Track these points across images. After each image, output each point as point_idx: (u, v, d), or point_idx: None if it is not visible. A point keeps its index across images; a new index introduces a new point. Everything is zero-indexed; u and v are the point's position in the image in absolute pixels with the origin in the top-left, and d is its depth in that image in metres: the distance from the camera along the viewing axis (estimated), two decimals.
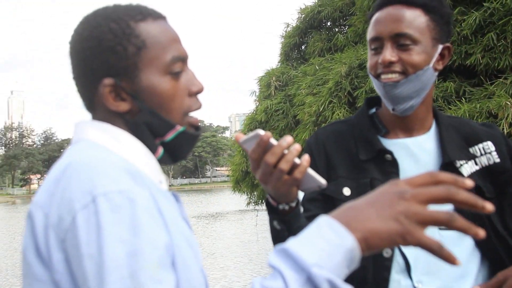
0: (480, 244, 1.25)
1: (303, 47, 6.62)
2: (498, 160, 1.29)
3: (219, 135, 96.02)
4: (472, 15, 3.91)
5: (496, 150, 1.30)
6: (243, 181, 6.69)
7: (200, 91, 0.93)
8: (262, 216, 8.31)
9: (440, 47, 1.24)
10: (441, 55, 1.26)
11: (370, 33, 1.26)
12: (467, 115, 3.62)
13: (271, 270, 0.69)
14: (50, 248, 0.73)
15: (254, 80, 6.75)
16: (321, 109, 4.81)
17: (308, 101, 5.07)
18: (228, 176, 9.29)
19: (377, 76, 1.23)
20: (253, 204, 7.28)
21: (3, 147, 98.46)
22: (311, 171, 0.97)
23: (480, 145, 1.30)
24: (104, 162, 0.77)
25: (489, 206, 0.65)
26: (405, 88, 1.21)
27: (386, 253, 1.21)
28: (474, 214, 1.22)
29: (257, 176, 1.00)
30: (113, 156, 0.81)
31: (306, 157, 0.96)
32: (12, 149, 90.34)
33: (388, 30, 1.21)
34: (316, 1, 6.32)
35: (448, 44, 1.25)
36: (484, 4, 3.87)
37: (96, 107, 0.89)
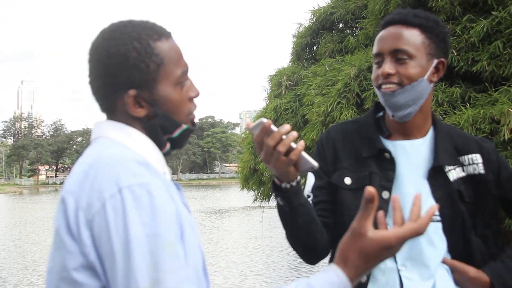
0: (454, 245, 1.42)
1: (314, 47, 6.70)
2: (482, 171, 1.47)
3: (229, 132, 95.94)
4: (480, 23, 3.99)
5: (483, 163, 1.48)
6: (251, 178, 6.79)
7: (197, 96, 1.12)
8: (268, 214, 8.44)
9: (435, 61, 1.43)
10: (436, 69, 1.45)
11: (374, 49, 1.46)
12: (471, 120, 3.71)
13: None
14: (80, 227, 0.90)
15: (266, 78, 6.84)
16: (329, 110, 4.91)
17: (317, 101, 5.17)
18: (236, 172, 9.39)
19: (379, 87, 1.44)
20: (260, 201, 7.39)
21: (12, 137, 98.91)
22: (305, 154, 1.19)
23: (470, 156, 1.49)
24: (124, 157, 0.95)
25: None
26: (401, 97, 1.40)
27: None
28: (452, 217, 1.39)
29: (261, 156, 1.22)
30: (128, 151, 0.99)
31: (301, 143, 1.18)
32: (21, 140, 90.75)
33: (388, 47, 1.41)
34: (329, 2, 6.40)
35: (442, 59, 1.44)
36: (493, 12, 3.95)
37: (116, 111, 1.06)
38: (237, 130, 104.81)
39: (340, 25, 6.34)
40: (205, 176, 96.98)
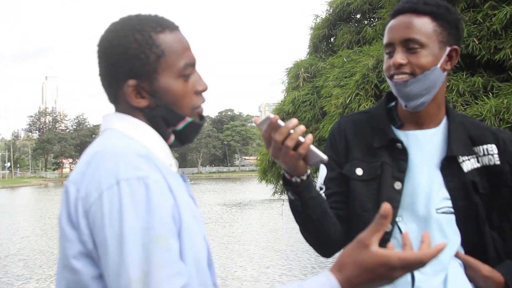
0: (467, 237, 1.37)
1: (332, 39, 6.62)
2: (498, 162, 1.42)
3: (249, 125, 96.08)
4: (502, 9, 3.88)
5: (498, 153, 1.43)
6: (270, 170, 6.77)
7: (204, 90, 1.11)
8: (288, 207, 8.41)
9: (448, 49, 1.39)
10: (449, 56, 1.40)
11: (384, 39, 1.42)
12: (494, 110, 3.62)
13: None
14: (78, 215, 0.93)
15: (284, 71, 6.80)
16: (347, 101, 4.84)
17: (335, 93, 5.10)
18: (255, 165, 9.40)
19: (391, 77, 1.40)
20: (279, 194, 7.37)
21: (37, 132, 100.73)
22: (313, 148, 1.16)
23: (485, 146, 1.44)
24: (126, 150, 0.96)
25: None
26: (414, 87, 1.36)
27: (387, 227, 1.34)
28: (465, 208, 1.34)
29: (270, 152, 1.20)
30: (133, 143, 1.01)
31: (309, 136, 1.16)
32: (45, 134, 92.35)
33: (399, 36, 1.37)
34: None
35: (455, 46, 1.39)
36: None
37: (120, 102, 1.08)
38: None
39: (358, 16, 6.26)
40: (225, 169, 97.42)
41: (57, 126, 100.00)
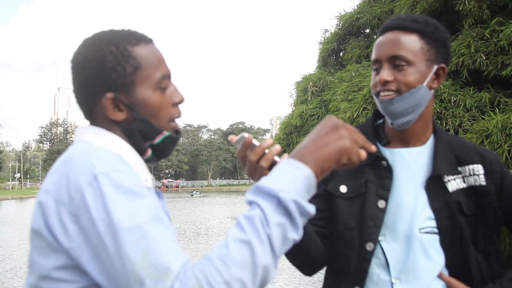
0: (451, 259, 1.34)
1: (341, 53, 6.66)
2: (484, 183, 1.39)
3: (260, 137, 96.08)
4: (510, 26, 3.90)
5: (484, 174, 1.40)
6: None
7: (181, 101, 1.11)
8: None
9: (435, 67, 1.37)
10: (436, 75, 1.38)
11: (372, 56, 1.40)
12: (500, 125, 3.61)
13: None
14: (64, 222, 0.90)
15: (293, 85, 6.84)
16: (355, 116, 4.86)
17: (342, 107, 5.13)
18: None
19: (377, 94, 1.39)
20: None
21: (48, 142, 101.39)
22: None
23: (471, 166, 1.41)
24: (98, 151, 0.95)
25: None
26: (399, 105, 1.34)
27: (369, 246, 1.35)
28: (450, 229, 1.32)
29: (246, 172, 1.17)
30: (107, 151, 0.98)
31: (285, 156, 1.11)
32: (56, 145, 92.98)
33: (386, 53, 1.36)
34: (355, 8, 6.36)
35: (442, 65, 1.37)
36: None
37: (96, 117, 1.07)
38: (267, 136, 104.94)
39: (367, 30, 6.30)
40: (235, 182, 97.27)
41: (68, 137, 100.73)
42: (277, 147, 1.13)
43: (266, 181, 0.87)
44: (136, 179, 0.93)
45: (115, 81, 1.03)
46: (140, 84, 1.04)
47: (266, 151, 1.12)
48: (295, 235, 0.86)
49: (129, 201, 0.88)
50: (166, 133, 1.08)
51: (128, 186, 0.89)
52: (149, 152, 1.09)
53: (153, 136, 1.07)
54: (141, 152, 1.08)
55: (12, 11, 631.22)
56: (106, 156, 0.94)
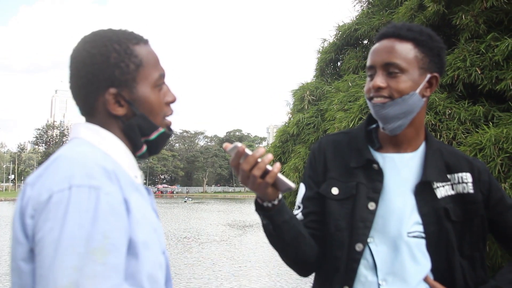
0: (436, 264, 1.37)
1: (338, 63, 6.70)
2: (472, 191, 1.44)
3: (257, 145, 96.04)
4: (505, 41, 3.94)
5: (472, 182, 1.45)
6: None
7: (173, 101, 1.15)
8: None
9: (428, 76, 1.41)
10: (429, 83, 1.43)
11: (367, 62, 1.45)
12: (493, 139, 3.65)
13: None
14: (26, 216, 0.93)
15: (290, 93, 6.86)
16: (350, 125, 4.88)
17: (338, 116, 5.15)
18: None
19: (370, 99, 1.43)
20: None
21: (43, 145, 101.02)
22: (281, 176, 1.19)
23: (460, 174, 1.46)
24: (85, 158, 0.97)
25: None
26: (391, 109, 1.38)
27: (358, 247, 1.38)
28: (436, 235, 1.36)
29: (239, 180, 1.21)
30: (96, 151, 1.01)
31: (277, 165, 1.19)
32: (52, 147, 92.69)
33: (380, 60, 1.40)
34: (354, 18, 6.41)
35: (435, 74, 1.41)
36: None
37: (96, 111, 1.10)
38: (264, 144, 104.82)
39: (365, 41, 6.34)
40: (230, 189, 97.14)
41: (64, 140, 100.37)
42: (269, 157, 1.17)
43: None
44: (113, 197, 0.93)
45: (118, 77, 1.07)
46: (140, 82, 1.09)
47: (259, 160, 1.17)
48: None
49: (88, 224, 0.88)
50: (161, 129, 1.13)
51: (96, 208, 0.90)
52: (144, 147, 1.13)
53: (150, 132, 1.12)
54: (136, 147, 1.12)
55: (12, 12, 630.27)
56: (91, 164, 0.96)
